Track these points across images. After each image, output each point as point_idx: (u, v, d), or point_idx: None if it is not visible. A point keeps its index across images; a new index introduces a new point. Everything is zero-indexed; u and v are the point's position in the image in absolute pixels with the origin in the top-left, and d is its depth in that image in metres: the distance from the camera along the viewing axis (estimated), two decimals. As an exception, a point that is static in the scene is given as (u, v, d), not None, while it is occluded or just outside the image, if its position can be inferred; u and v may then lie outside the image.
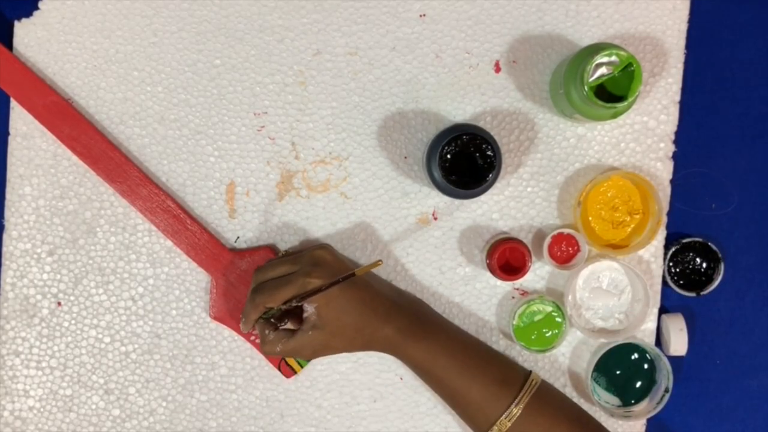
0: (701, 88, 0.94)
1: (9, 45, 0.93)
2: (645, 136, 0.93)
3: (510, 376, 0.86)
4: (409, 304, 0.89)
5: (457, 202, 0.92)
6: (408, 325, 0.86)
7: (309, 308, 0.85)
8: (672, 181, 0.93)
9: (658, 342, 0.93)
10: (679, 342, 0.91)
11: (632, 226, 0.92)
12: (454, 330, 0.89)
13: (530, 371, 0.87)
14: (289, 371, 0.93)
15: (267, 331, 0.86)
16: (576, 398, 0.94)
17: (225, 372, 0.94)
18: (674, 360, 0.91)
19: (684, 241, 0.93)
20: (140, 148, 0.93)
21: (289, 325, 0.88)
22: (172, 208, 0.92)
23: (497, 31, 0.93)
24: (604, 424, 0.93)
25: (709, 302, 0.94)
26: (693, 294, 0.92)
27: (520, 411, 0.83)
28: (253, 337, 0.93)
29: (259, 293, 0.85)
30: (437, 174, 0.85)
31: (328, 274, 0.84)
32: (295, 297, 0.84)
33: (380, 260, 0.83)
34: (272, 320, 0.87)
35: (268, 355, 0.87)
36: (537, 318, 0.91)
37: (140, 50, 0.93)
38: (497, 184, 0.88)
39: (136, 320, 0.94)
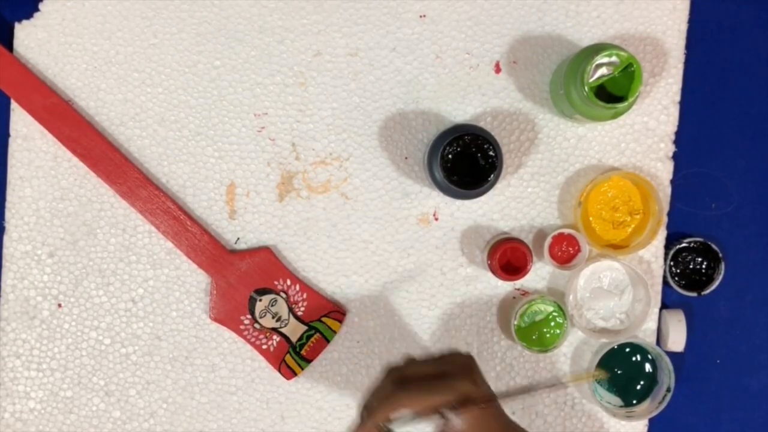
0: (701, 88, 0.94)
1: (9, 46, 0.93)
2: (645, 136, 0.93)
3: None
4: None
5: (458, 202, 0.93)
6: None
7: (455, 420, 0.69)
8: (672, 181, 0.93)
9: (659, 341, 0.93)
10: (677, 334, 0.91)
11: (633, 226, 0.92)
12: None
13: None
14: (289, 373, 0.93)
15: None
16: (577, 399, 0.94)
17: (225, 374, 0.94)
18: (675, 360, 0.91)
19: (684, 241, 0.93)
20: (140, 149, 0.93)
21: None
22: (172, 209, 0.92)
23: (497, 32, 0.93)
24: (606, 425, 0.94)
25: (709, 302, 0.94)
26: (694, 294, 0.93)
27: None
28: (252, 338, 0.93)
29: (406, 392, 0.69)
30: (439, 174, 0.85)
31: (482, 382, 0.72)
32: (447, 404, 0.69)
33: (606, 373, 0.73)
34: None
35: None
36: (538, 318, 0.91)
37: (140, 51, 0.93)
38: (498, 185, 0.88)
39: (136, 322, 0.94)
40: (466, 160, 0.86)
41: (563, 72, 0.87)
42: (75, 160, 0.92)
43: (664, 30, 0.93)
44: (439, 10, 0.92)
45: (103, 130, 0.93)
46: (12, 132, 0.93)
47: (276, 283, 0.93)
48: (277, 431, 0.94)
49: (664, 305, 0.94)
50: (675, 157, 0.93)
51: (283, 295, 0.93)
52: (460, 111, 0.93)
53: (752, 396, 0.95)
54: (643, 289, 0.91)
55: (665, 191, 0.93)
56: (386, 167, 0.93)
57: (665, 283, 0.93)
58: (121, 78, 0.93)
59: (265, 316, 0.93)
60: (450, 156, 0.85)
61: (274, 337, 0.93)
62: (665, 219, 0.92)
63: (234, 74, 0.93)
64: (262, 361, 0.94)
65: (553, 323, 0.91)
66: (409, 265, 0.93)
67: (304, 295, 0.93)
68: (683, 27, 0.93)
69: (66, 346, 0.93)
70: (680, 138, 0.93)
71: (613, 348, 0.91)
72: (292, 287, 0.93)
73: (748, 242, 0.95)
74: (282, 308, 0.93)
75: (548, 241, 0.91)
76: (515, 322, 0.91)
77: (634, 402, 0.92)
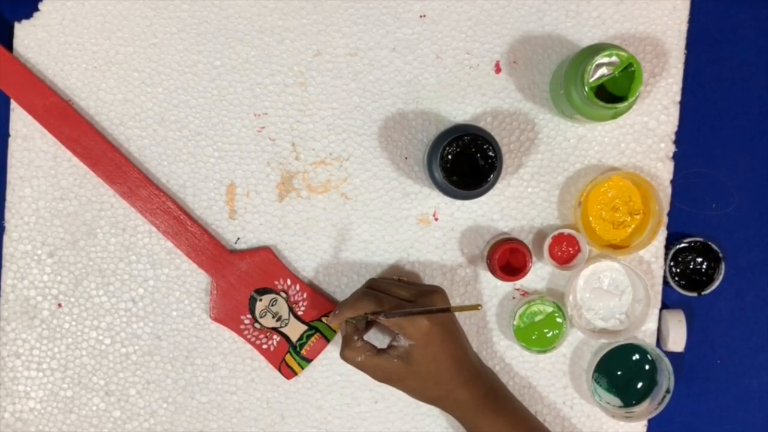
0: (701, 88, 0.94)
1: (9, 46, 0.93)
2: (645, 136, 0.93)
3: None
4: (486, 374, 0.88)
5: (457, 202, 0.93)
6: (483, 395, 0.86)
7: (403, 341, 0.84)
8: (672, 182, 0.93)
9: (659, 341, 0.93)
10: (677, 335, 0.91)
11: (633, 226, 0.92)
12: (521, 410, 0.88)
13: None
14: (289, 372, 0.93)
15: (355, 337, 0.85)
16: (577, 399, 0.94)
17: (225, 373, 0.94)
18: (675, 360, 0.91)
19: (684, 241, 0.93)
20: (140, 149, 0.93)
21: (372, 340, 0.88)
22: (172, 209, 0.92)
23: (497, 32, 0.93)
24: (605, 425, 0.94)
25: (709, 302, 0.94)
26: (694, 294, 0.92)
27: None
28: (252, 338, 0.93)
29: (369, 298, 0.84)
30: (438, 174, 0.85)
31: (436, 320, 0.83)
32: (394, 314, 0.82)
33: (480, 305, 0.81)
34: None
35: (346, 360, 0.86)
36: (538, 318, 0.91)
37: (140, 51, 0.93)
38: (498, 185, 0.88)
39: (136, 322, 0.94)
40: (465, 160, 0.86)
41: (563, 72, 0.87)
42: (75, 160, 0.92)
43: (664, 30, 0.92)
44: (439, 10, 0.92)
45: (103, 130, 0.93)
46: (12, 132, 0.93)
47: (276, 282, 0.93)
48: (277, 431, 0.94)
49: (664, 305, 0.94)
50: (675, 157, 0.93)
51: (284, 295, 0.93)
52: (460, 111, 0.93)
53: (752, 396, 0.95)
54: (643, 290, 0.91)
55: (665, 191, 0.93)
56: (386, 167, 0.93)
57: (665, 283, 0.93)
58: (121, 78, 0.93)
59: (265, 315, 0.93)
60: (450, 156, 0.85)
61: (275, 336, 0.93)
62: (665, 219, 0.92)
63: (234, 74, 0.93)
64: (262, 361, 0.94)
65: (552, 324, 0.91)
66: (409, 265, 0.93)
67: (304, 295, 0.93)
68: (683, 27, 0.92)
69: (66, 346, 0.93)
70: (680, 138, 0.93)
71: (612, 348, 0.91)
72: (293, 287, 0.93)
73: (748, 242, 0.94)
74: (282, 308, 0.93)
75: (548, 241, 0.90)
76: (515, 323, 0.91)
77: (634, 402, 0.92)
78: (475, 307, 0.80)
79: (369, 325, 0.88)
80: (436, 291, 0.86)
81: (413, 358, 0.83)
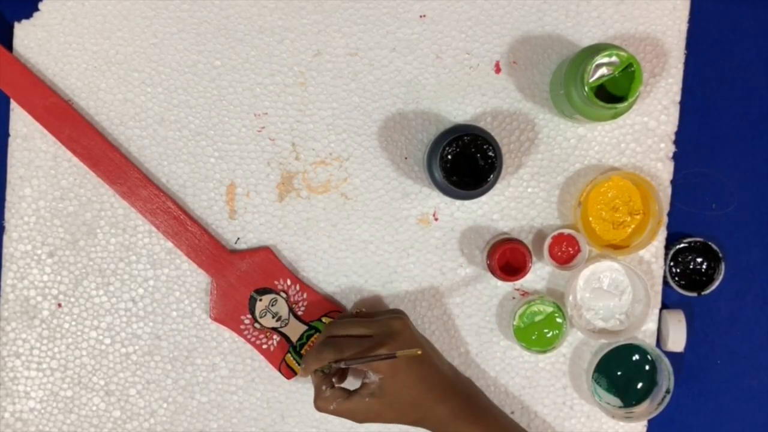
0: (701, 88, 0.94)
1: (9, 46, 0.93)
2: (645, 136, 0.93)
3: None
4: (462, 384, 0.89)
5: (457, 202, 0.93)
6: (461, 407, 0.86)
7: (373, 376, 0.84)
8: (672, 182, 0.93)
9: (659, 341, 0.93)
10: (677, 335, 0.91)
11: (633, 226, 0.92)
12: (500, 415, 0.90)
13: None
14: (290, 373, 0.93)
15: (324, 387, 0.86)
16: (577, 399, 0.94)
17: (226, 373, 0.94)
18: (675, 360, 0.91)
19: (684, 241, 0.93)
20: (140, 149, 0.93)
21: (345, 384, 0.89)
22: (172, 209, 0.92)
23: (497, 32, 0.93)
24: (605, 426, 0.93)
25: (709, 302, 0.94)
26: (694, 294, 0.92)
27: None
28: (252, 338, 0.93)
29: (328, 347, 0.85)
30: (438, 175, 0.85)
31: (401, 347, 0.84)
32: (359, 360, 0.83)
33: (419, 350, 0.81)
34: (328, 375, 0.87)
35: (320, 410, 0.86)
36: (537, 318, 0.91)
37: (140, 51, 0.93)
38: (497, 185, 0.88)
39: (136, 321, 0.94)
40: (465, 160, 0.86)
41: (563, 72, 0.87)
42: (75, 160, 0.92)
43: (664, 30, 0.92)
44: (439, 10, 0.92)
45: (103, 130, 0.93)
46: (12, 132, 0.93)
47: (276, 282, 0.93)
48: (277, 431, 0.94)
49: (664, 305, 0.94)
50: (675, 157, 0.93)
51: (284, 295, 0.93)
52: (460, 111, 0.93)
53: (752, 396, 0.95)
54: (642, 290, 0.91)
55: (665, 191, 0.93)
56: (386, 167, 0.93)
57: (665, 283, 0.93)
58: (121, 78, 0.93)
59: (265, 315, 0.93)
60: (449, 156, 0.85)
61: (275, 336, 0.93)
62: (665, 219, 0.92)
63: (234, 74, 0.93)
64: (262, 361, 0.94)
65: (552, 324, 0.91)
66: (409, 265, 0.93)
67: (304, 295, 0.93)
68: (683, 27, 0.92)
69: (66, 346, 0.93)
70: (680, 138, 0.93)
71: (612, 348, 0.91)
72: (293, 287, 0.93)
73: (748, 242, 0.94)
74: (282, 308, 0.93)
75: (548, 241, 0.90)
76: (514, 323, 0.91)
77: (634, 403, 0.92)
78: (414, 352, 0.81)
79: (344, 371, 0.89)
80: (396, 317, 0.87)
81: (385, 391, 0.84)
